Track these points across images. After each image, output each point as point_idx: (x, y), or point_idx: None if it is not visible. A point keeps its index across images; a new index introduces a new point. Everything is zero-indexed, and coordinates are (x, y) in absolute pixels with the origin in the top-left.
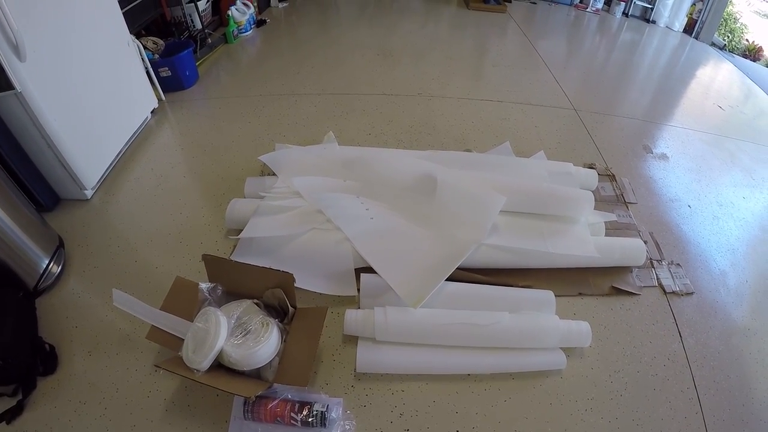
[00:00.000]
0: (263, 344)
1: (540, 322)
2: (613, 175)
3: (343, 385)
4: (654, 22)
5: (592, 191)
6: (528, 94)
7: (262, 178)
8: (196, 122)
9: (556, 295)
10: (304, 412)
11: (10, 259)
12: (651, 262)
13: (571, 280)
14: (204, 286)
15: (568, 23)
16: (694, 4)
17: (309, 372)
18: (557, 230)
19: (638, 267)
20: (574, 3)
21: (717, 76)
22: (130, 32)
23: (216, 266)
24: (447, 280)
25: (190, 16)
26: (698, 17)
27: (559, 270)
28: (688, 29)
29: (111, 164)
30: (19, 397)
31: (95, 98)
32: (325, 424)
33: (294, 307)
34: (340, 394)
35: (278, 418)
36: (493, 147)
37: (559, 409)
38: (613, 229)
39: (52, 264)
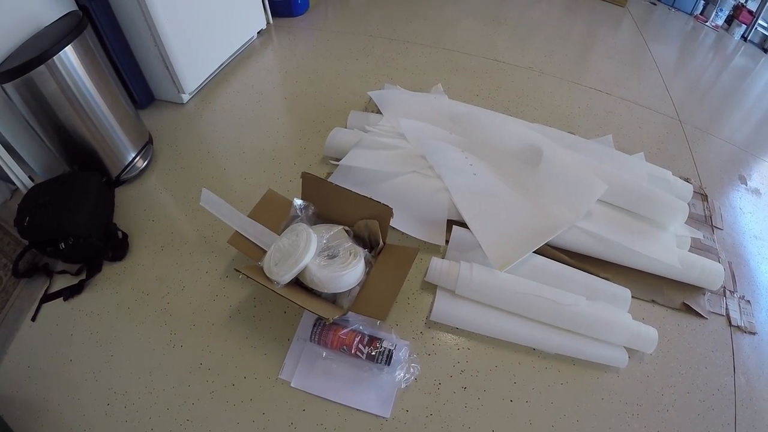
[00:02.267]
0: (350, 270)
1: (612, 315)
2: (706, 195)
3: (412, 329)
4: None
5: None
6: (636, 93)
7: (367, 114)
8: (302, 50)
9: (632, 296)
10: (372, 346)
11: (99, 146)
12: (724, 291)
13: (647, 285)
14: (297, 202)
15: (684, 32)
16: None
17: (389, 307)
18: (646, 232)
19: (711, 291)
20: (695, 13)
21: None
22: None
23: (313, 186)
24: (534, 252)
25: None
26: None
27: (638, 271)
28: None
29: (211, 74)
30: (83, 277)
31: (208, 6)
32: (389, 363)
33: (384, 242)
34: (408, 337)
35: (344, 347)
36: (596, 137)
37: (608, 407)
38: (695, 248)
39: (138, 158)
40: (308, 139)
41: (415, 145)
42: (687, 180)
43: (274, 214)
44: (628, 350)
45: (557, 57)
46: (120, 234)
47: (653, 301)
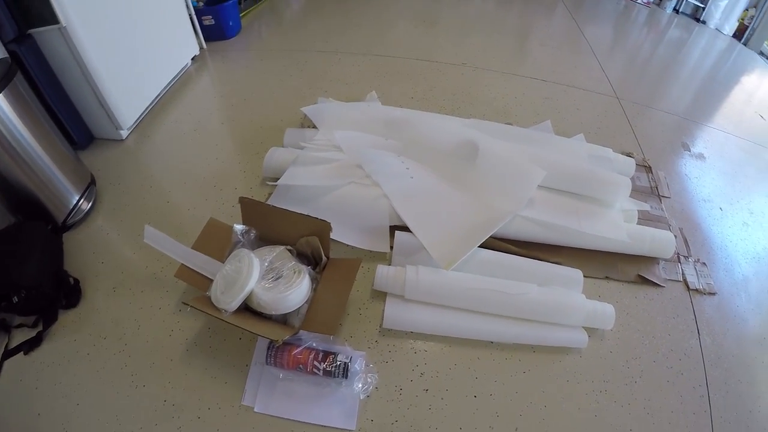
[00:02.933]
0: (294, 289)
1: (566, 298)
2: (650, 167)
3: (367, 339)
4: (704, 22)
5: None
6: (572, 76)
7: (302, 130)
8: (236, 72)
9: (585, 276)
10: (327, 362)
11: (41, 192)
12: (678, 257)
13: (599, 263)
14: (238, 228)
15: (617, 12)
16: (747, 10)
17: (338, 321)
18: (592, 211)
19: (665, 260)
20: None
21: (762, 86)
22: None
23: (252, 210)
24: (480, 247)
25: None
26: (750, 23)
27: (589, 251)
28: (738, 34)
29: (148, 107)
30: (40, 328)
31: (138, 39)
32: (346, 376)
33: (327, 257)
34: (364, 347)
35: (300, 366)
36: (534, 124)
37: (574, 387)
38: (644, 220)
39: (82, 200)
40: (247, 162)
41: (351, 156)
42: (629, 155)
43: (217, 242)
44: (588, 330)
45: (492, 50)
46: (71, 280)
47: (607, 278)
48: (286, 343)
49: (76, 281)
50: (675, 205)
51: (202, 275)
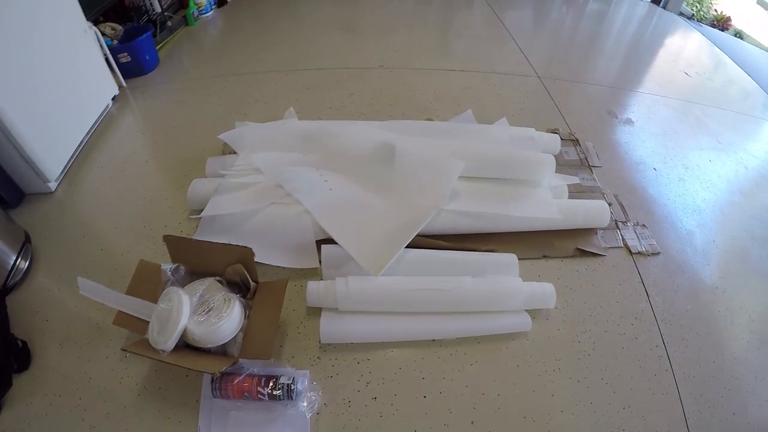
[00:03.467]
0: (225, 320)
1: (503, 284)
2: (577, 140)
3: (309, 357)
4: None
5: (555, 155)
6: (492, 63)
7: (223, 157)
8: (157, 106)
9: (520, 259)
10: (270, 386)
11: None
12: (616, 224)
13: (535, 244)
14: (166, 267)
15: None
16: None
17: (270, 345)
18: (519, 194)
19: (603, 228)
20: None
21: (685, 45)
22: (88, 19)
23: (177, 246)
24: (409, 247)
25: (149, 0)
26: None
27: (523, 234)
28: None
29: (73, 154)
30: None
31: (53, 89)
32: (292, 397)
33: (256, 281)
34: (307, 366)
35: (246, 394)
36: (455, 115)
37: (526, 371)
38: (577, 192)
39: (19, 260)
40: (173, 197)
41: (271, 177)
42: (554, 131)
43: (149, 283)
44: (532, 312)
45: (410, 49)
46: (20, 343)
47: (545, 257)
48: (229, 374)
49: (24, 343)
50: (607, 173)
51: (140, 319)
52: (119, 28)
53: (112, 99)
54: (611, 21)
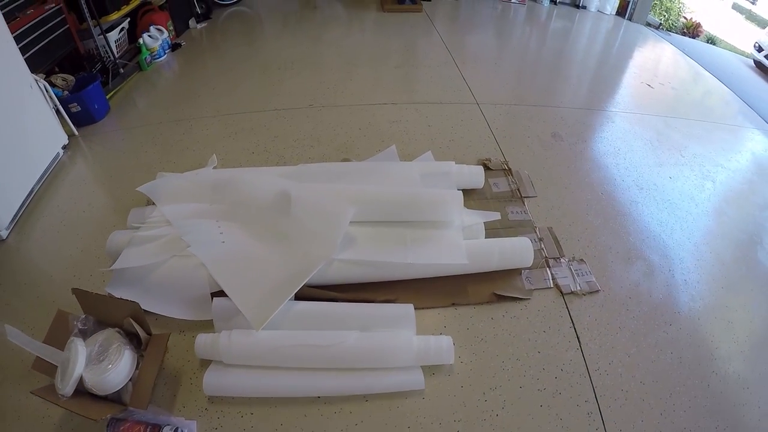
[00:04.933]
0: (112, 371)
1: (391, 340)
2: (509, 169)
3: (198, 407)
4: (584, 7)
5: (482, 189)
6: (427, 93)
7: (145, 209)
8: (101, 154)
9: (426, 308)
10: None
11: None
12: (546, 262)
13: (444, 290)
14: (74, 317)
15: (493, 16)
16: None
17: (146, 395)
18: (424, 237)
19: (529, 268)
20: None
21: (650, 55)
22: (43, 70)
23: (84, 298)
24: (302, 299)
25: (105, 47)
26: None
27: (432, 280)
28: (621, 11)
29: (24, 203)
30: None
31: None
32: None
33: (148, 333)
34: (195, 416)
35: None
36: (378, 152)
37: None
38: (503, 228)
39: None
40: (100, 247)
41: (176, 229)
42: (485, 161)
43: (64, 332)
44: (433, 367)
45: (342, 85)
46: None
47: (453, 305)
48: (121, 419)
49: None
50: (543, 203)
51: (53, 365)
52: (70, 78)
53: (63, 147)
54: (575, 38)
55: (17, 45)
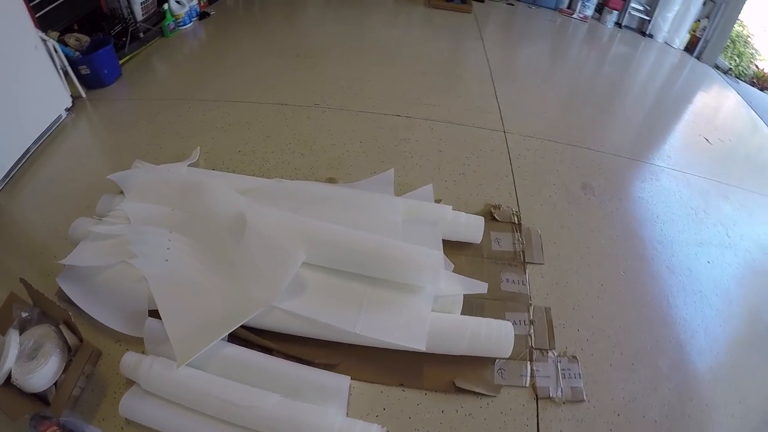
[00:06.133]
0: (36, 373)
1: (312, 415)
2: (519, 224)
3: (116, 425)
4: (651, 35)
5: (479, 243)
6: (449, 109)
7: (114, 197)
8: (99, 125)
9: (369, 382)
10: None
11: None
12: (530, 353)
13: (396, 366)
14: (19, 306)
15: (548, 30)
16: (698, 21)
17: (62, 402)
18: (384, 301)
19: (506, 358)
20: (559, 7)
21: (713, 103)
22: (60, 27)
23: (31, 290)
24: (235, 337)
25: (129, 8)
26: (702, 35)
27: (385, 350)
28: (690, 47)
29: (19, 162)
30: None
31: None
32: None
33: (80, 340)
34: (114, 429)
35: None
36: (372, 174)
37: None
38: (490, 299)
39: None
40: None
41: (128, 234)
42: (493, 208)
43: (9, 316)
44: None
45: (357, 86)
46: None
47: (401, 386)
48: (45, 418)
49: None
50: (549, 274)
51: None
52: (85, 39)
53: (67, 110)
54: (634, 70)
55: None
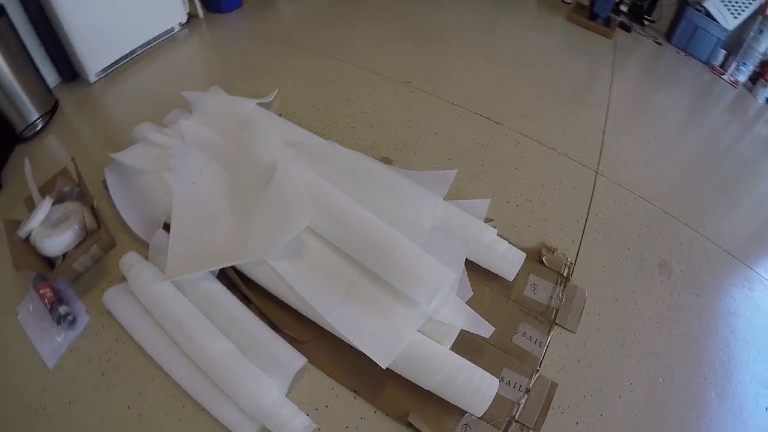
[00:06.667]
0: (49, 239)
1: (249, 378)
2: (567, 278)
3: (98, 308)
4: None
5: (511, 280)
6: (544, 128)
7: (182, 113)
8: (203, 48)
9: (327, 374)
10: (54, 304)
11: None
12: (508, 424)
13: (360, 368)
14: (64, 182)
15: (691, 84)
16: None
17: (59, 272)
18: (373, 299)
19: (478, 417)
20: (711, 62)
21: None
22: None
23: (78, 170)
24: (226, 282)
25: None
26: None
27: (358, 350)
28: None
29: (121, 60)
30: None
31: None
32: (60, 323)
33: (98, 225)
34: (93, 314)
35: (45, 301)
36: (432, 169)
37: None
38: (495, 347)
39: (38, 120)
40: None
41: (173, 149)
42: (548, 250)
43: (53, 186)
44: None
45: (460, 76)
46: None
47: (356, 392)
48: (45, 279)
49: None
50: (574, 347)
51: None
52: None
53: (181, 25)
54: None
55: None
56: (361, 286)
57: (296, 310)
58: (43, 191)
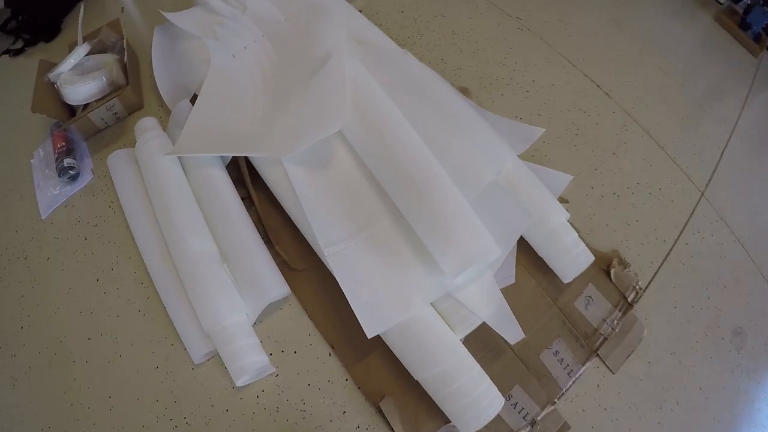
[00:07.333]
0: (72, 86)
1: (217, 291)
2: (630, 305)
3: (103, 169)
4: None
5: (564, 282)
6: (659, 122)
7: None
8: None
9: (309, 316)
10: (63, 154)
11: None
12: None
13: (347, 327)
14: (111, 34)
15: None
16: None
17: (73, 121)
18: (388, 246)
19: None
20: None
21: None
22: None
23: (124, 25)
24: (234, 174)
25: None
26: None
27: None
28: None
29: None
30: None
31: None
32: (61, 176)
33: (127, 83)
34: (95, 162)
35: (55, 150)
36: (516, 119)
37: None
38: (514, 356)
39: None
40: None
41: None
42: (622, 263)
43: (98, 34)
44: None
45: (585, 41)
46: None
47: (333, 348)
48: (60, 126)
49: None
50: (608, 384)
51: None
52: None
53: None
54: None
55: None
56: (380, 226)
57: (299, 232)
58: (87, 39)
